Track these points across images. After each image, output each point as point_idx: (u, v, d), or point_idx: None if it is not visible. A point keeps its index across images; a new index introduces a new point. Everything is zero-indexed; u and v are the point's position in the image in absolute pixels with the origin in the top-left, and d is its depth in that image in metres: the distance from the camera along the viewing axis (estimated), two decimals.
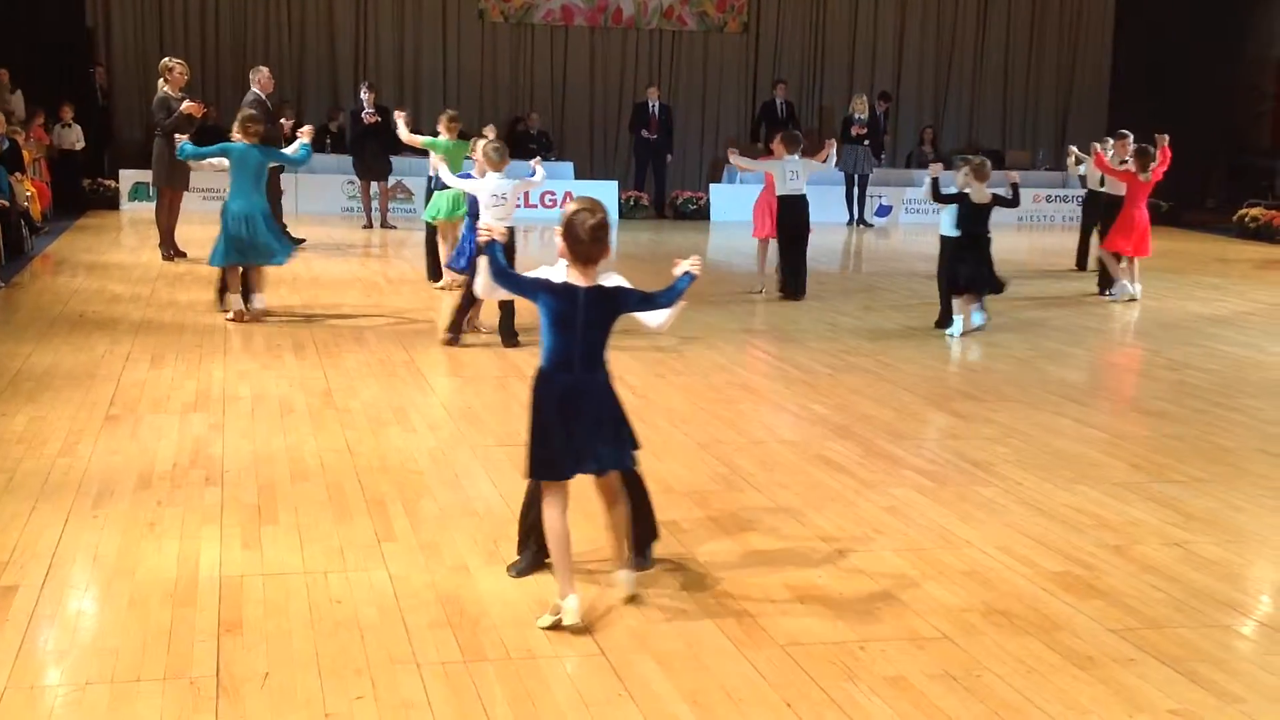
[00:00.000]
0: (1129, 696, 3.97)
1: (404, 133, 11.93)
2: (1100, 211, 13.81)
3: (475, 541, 5.17)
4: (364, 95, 17.06)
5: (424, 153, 12.76)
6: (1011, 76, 23.56)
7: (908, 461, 6.60)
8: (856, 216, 20.12)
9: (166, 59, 13.57)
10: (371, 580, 4.72)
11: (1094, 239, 14.12)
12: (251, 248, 9.74)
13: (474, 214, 9.48)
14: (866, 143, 19.96)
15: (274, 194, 14.42)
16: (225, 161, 9.82)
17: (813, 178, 12.55)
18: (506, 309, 9.17)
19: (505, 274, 4.55)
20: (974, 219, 10.21)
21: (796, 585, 4.81)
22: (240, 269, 9.88)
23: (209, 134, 17.70)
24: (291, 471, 6.04)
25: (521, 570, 4.81)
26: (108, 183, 18.09)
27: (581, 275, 4.39)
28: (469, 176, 9.60)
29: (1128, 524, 5.70)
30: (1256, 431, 7.53)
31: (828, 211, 19.78)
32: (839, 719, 3.75)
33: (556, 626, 4.30)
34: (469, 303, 9.30)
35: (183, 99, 12.98)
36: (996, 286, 10.41)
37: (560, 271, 4.46)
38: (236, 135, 9.88)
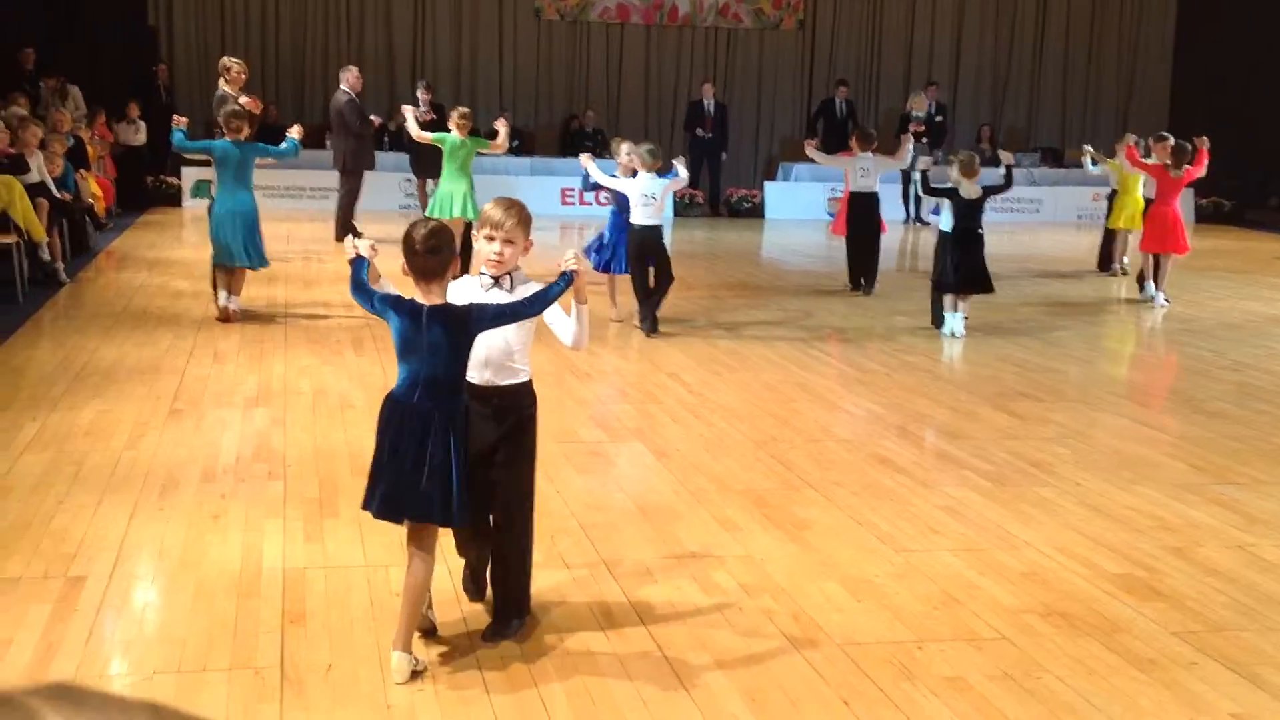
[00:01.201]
0: (1190, 700, 3.94)
1: (414, 128, 11.84)
2: (1114, 211, 13.83)
3: (536, 536, 5.19)
4: (420, 94, 17.18)
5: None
6: (1071, 74, 23.33)
7: (965, 461, 6.57)
8: (913, 215, 20.01)
9: (225, 58, 13.72)
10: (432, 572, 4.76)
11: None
12: (235, 247, 9.62)
13: (624, 210, 9.67)
14: (925, 140, 19.83)
15: (351, 197, 14.60)
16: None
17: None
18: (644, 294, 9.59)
19: (361, 288, 4.11)
20: (966, 214, 10.13)
21: (853, 584, 4.81)
22: (229, 268, 9.75)
23: (268, 132, 17.90)
24: (352, 466, 6.11)
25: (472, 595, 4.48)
26: (170, 179, 18.33)
27: (424, 293, 3.94)
28: (614, 176, 9.80)
29: (1189, 526, 5.65)
30: None
31: (884, 209, 19.71)
32: (897, 718, 3.75)
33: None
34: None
35: (241, 97, 13.11)
36: (988, 286, 10.27)
37: (473, 289, 4.10)
38: (219, 132, 9.75)
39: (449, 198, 11.42)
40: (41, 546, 4.88)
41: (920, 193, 10.59)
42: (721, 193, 20.56)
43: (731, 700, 3.84)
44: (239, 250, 9.69)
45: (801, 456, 6.55)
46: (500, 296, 4.09)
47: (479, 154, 11.79)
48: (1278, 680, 4.10)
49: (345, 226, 15.14)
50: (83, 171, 14.10)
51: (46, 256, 11.04)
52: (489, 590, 4.43)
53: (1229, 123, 14.17)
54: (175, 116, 10.08)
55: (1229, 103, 19.81)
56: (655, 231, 9.60)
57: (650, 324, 9.68)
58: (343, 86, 14.65)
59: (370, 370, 8.20)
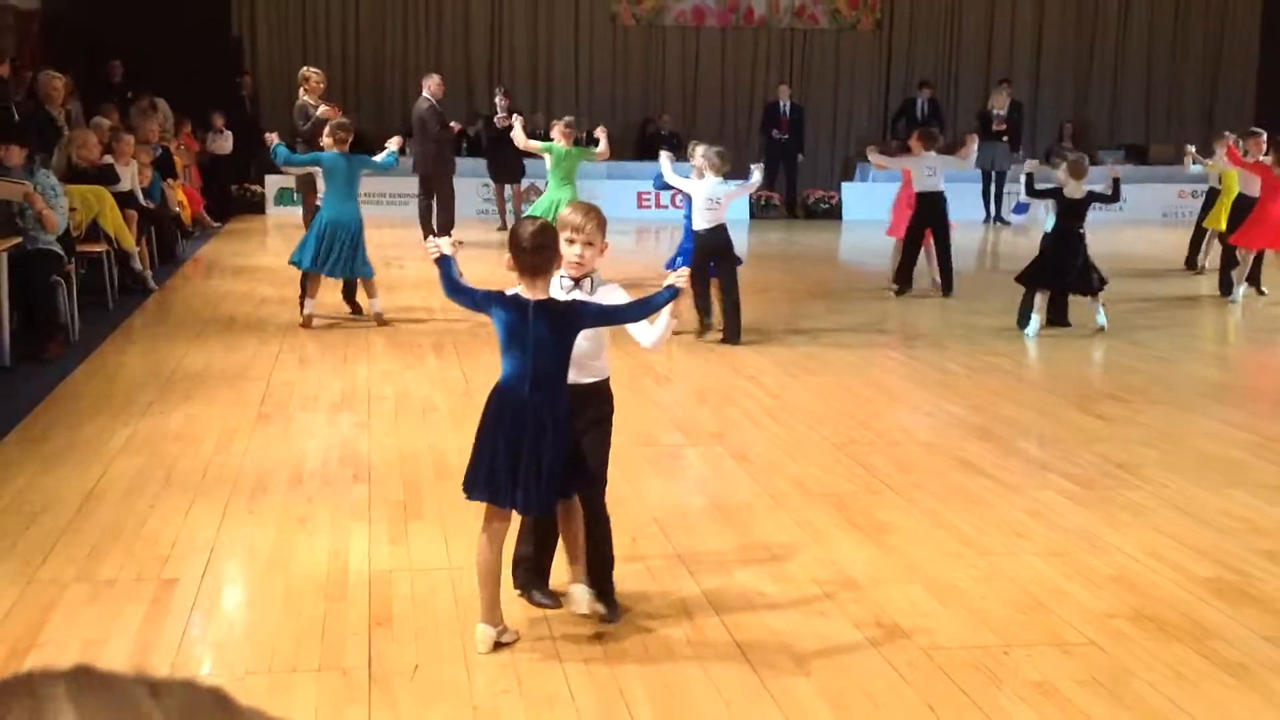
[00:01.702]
0: None
1: (520, 138, 11.93)
2: (1213, 210, 13.57)
3: (616, 538, 5.21)
4: (498, 99, 17.32)
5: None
6: (1154, 69, 22.96)
7: (1050, 464, 6.49)
8: (994, 214, 19.78)
9: (305, 68, 13.95)
10: (513, 577, 4.79)
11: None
12: (329, 263, 9.75)
13: (689, 218, 9.71)
14: (1005, 139, 19.59)
15: (442, 203, 14.81)
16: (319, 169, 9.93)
17: (950, 175, 12.43)
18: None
19: (457, 288, 4.26)
20: (1069, 215, 10.00)
21: (937, 588, 4.77)
22: (320, 277, 9.87)
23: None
24: (435, 469, 6.17)
25: (535, 600, 4.55)
26: (254, 187, 18.65)
27: (530, 288, 4.08)
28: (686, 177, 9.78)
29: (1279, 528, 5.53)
30: None
31: (965, 209, 19.51)
32: None
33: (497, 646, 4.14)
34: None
35: (320, 106, 13.31)
36: (1097, 285, 10.13)
37: (554, 291, 4.19)
38: (326, 143, 9.89)
39: (556, 205, 11.44)
40: (135, 549, 4.99)
41: (1025, 195, 10.44)
42: (798, 194, 20.49)
43: (813, 702, 3.83)
44: (350, 263, 9.83)
45: (882, 459, 6.51)
46: (580, 297, 4.23)
47: (585, 162, 11.85)
48: None
49: (442, 231, 15.38)
50: (170, 181, 14.39)
51: (138, 266, 11.29)
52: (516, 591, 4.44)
53: None
54: (267, 135, 10.26)
55: None
56: (719, 233, 9.47)
57: (733, 332, 9.50)
58: (424, 94, 14.92)
59: (451, 374, 8.29)
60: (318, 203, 10.27)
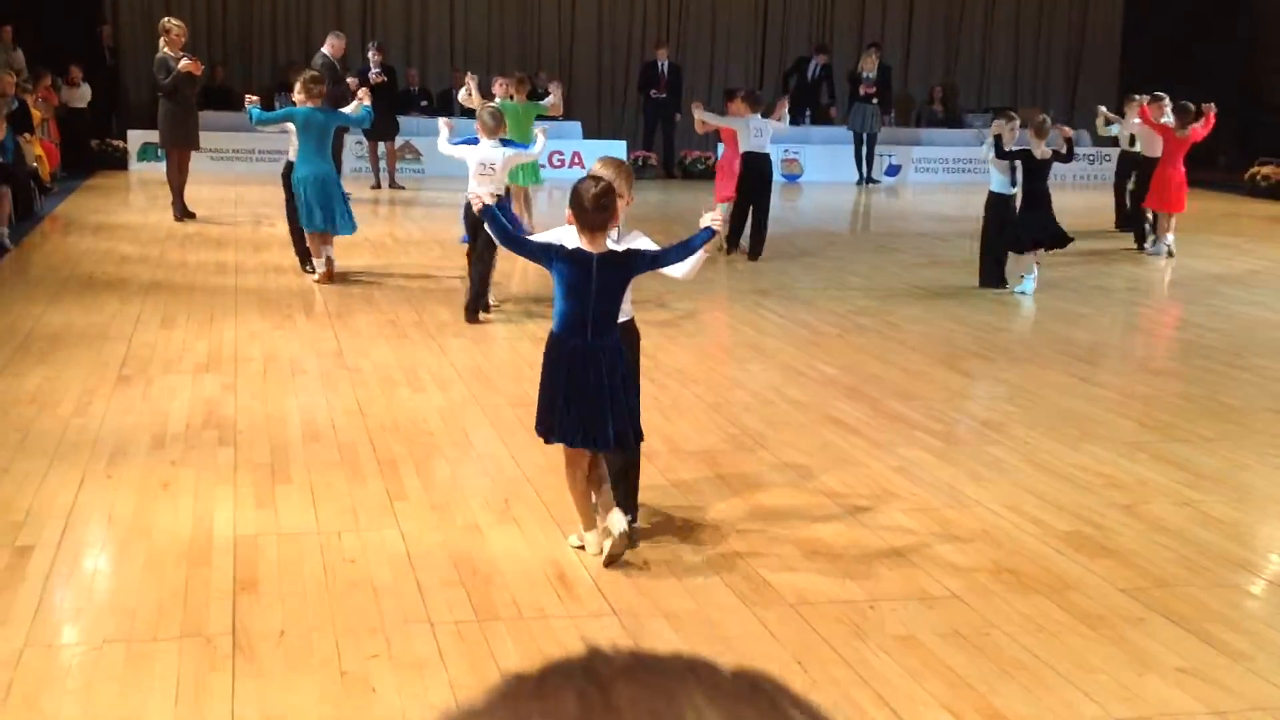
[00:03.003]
0: (1138, 655, 4.00)
1: (469, 100, 11.46)
2: (1130, 170, 13.94)
3: (487, 501, 5.20)
4: (371, 55, 16.99)
5: (429, 113, 12.65)
6: (1022, 33, 23.40)
7: (917, 421, 6.61)
8: (865, 175, 20.03)
9: (166, 19, 13.54)
10: (384, 540, 4.75)
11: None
12: (323, 213, 9.59)
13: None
14: (875, 101, 19.82)
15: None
16: (292, 125, 9.65)
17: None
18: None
19: (515, 240, 4.63)
20: (1035, 176, 10.24)
21: (806, 545, 4.84)
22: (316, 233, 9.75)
23: (217, 94, 17.65)
24: (304, 432, 6.07)
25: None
26: (116, 143, 18.05)
27: (590, 242, 4.41)
28: (473, 141, 9.20)
29: (1137, 483, 5.72)
30: (1266, 391, 7.53)
31: (837, 171, 19.74)
32: (849, 677, 3.79)
33: (614, 550, 4.50)
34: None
35: (180, 58, 12.93)
36: (1065, 240, 10.45)
37: (571, 235, 4.48)
38: (299, 98, 9.61)
39: (530, 165, 11.15)
40: None
41: (993, 157, 10.57)
42: (675, 155, 20.50)
43: None
44: (333, 216, 9.65)
45: (755, 418, 6.57)
46: (641, 241, 4.63)
47: (539, 118, 11.55)
48: (1224, 635, 4.17)
49: None
50: (26, 135, 13.86)
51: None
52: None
53: (1178, 83, 14.34)
54: (247, 95, 9.94)
55: (1178, 63, 19.92)
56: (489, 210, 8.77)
57: (473, 312, 8.75)
58: (324, 49, 14.71)
59: (322, 335, 8.14)
60: (291, 158, 9.88)
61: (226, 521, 4.87)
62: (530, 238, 4.65)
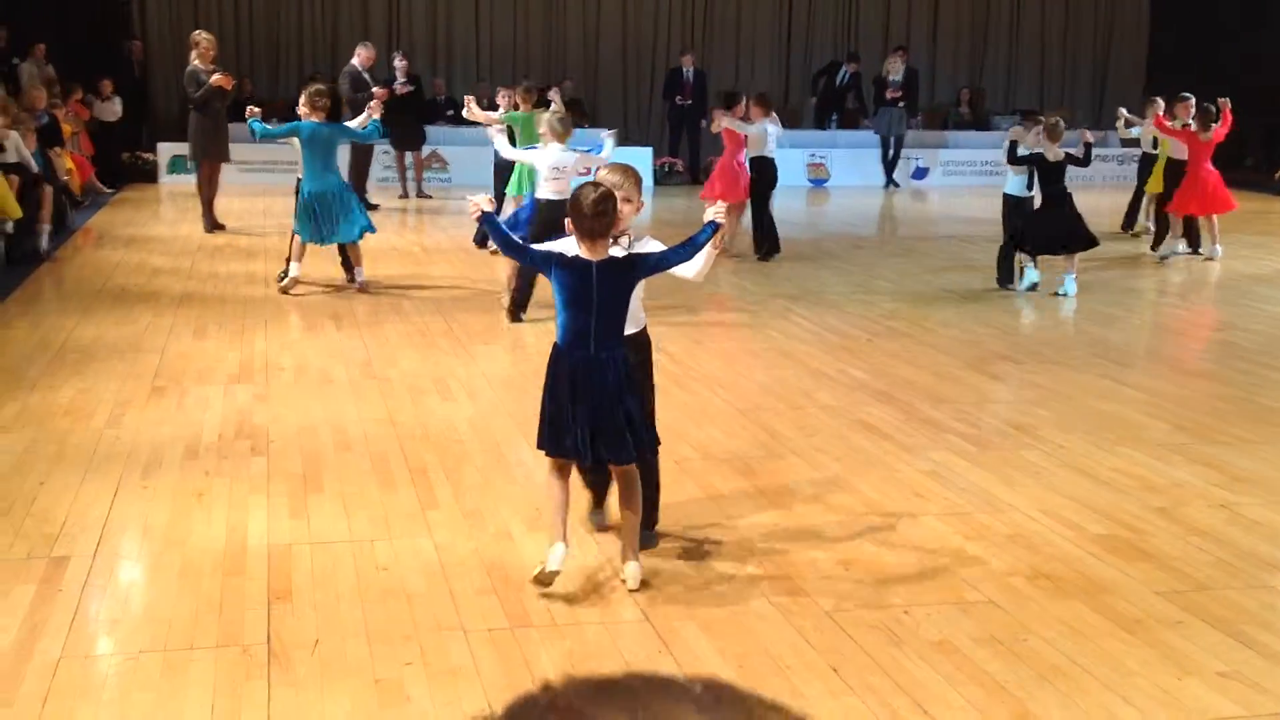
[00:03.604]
0: (1177, 659, 3.96)
1: (477, 112, 11.57)
2: (1153, 174, 13.87)
3: (517, 509, 5.20)
4: (397, 65, 17.06)
5: (455, 122, 12.67)
6: (1049, 35, 23.30)
7: (949, 426, 6.58)
8: (891, 180, 19.97)
9: (196, 32, 13.65)
10: (417, 548, 4.76)
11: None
12: (328, 227, 9.63)
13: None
14: (901, 104, 19.77)
15: (361, 168, 14.72)
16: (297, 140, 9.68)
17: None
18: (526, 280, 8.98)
19: (515, 246, 4.47)
20: (1049, 178, 10.20)
21: (839, 551, 4.82)
22: (305, 246, 9.80)
23: (246, 106, 17.73)
24: (335, 441, 6.08)
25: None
26: (146, 156, 18.19)
27: (590, 250, 4.28)
28: (535, 148, 9.37)
29: (1173, 486, 5.67)
30: None
31: (864, 175, 19.69)
32: (885, 684, 3.76)
33: (542, 578, 4.33)
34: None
35: (212, 72, 13.02)
36: (1093, 241, 10.40)
37: (573, 244, 4.37)
38: (303, 111, 9.61)
39: (533, 171, 11.17)
40: (24, 528, 4.85)
41: (1006, 162, 10.63)
42: (702, 161, 20.48)
43: (717, 664, 3.84)
44: (348, 224, 9.69)
45: (785, 423, 6.55)
46: (620, 251, 4.43)
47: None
48: (1263, 638, 4.12)
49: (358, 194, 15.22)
50: (57, 149, 13.97)
51: (9, 230, 10.88)
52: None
53: (1205, 84, 14.25)
54: (249, 108, 9.97)
55: (1205, 65, 19.79)
56: (562, 208, 9.00)
57: (519, 310, 8.96)
58: (354, 61, 14.99)
59: (351, 345, 8.17)
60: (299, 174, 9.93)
61: (260, 531, 4.89)
62: (532, 245, 4.54)
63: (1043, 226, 10.36)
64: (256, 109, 9.93)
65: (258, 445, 5.99)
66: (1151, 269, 12.33)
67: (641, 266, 4.38)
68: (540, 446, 4.46)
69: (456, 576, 4.48)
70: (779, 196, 13.46)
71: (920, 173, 20.40)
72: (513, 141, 10.63)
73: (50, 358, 7.61)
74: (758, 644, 4.01)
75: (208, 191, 13.37)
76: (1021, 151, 10.52)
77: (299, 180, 9.89)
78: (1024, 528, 5.10)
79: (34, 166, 11.74)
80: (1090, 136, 10.63)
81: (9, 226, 10.85)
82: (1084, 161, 10.37)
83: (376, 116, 9.99)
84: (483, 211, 4.43)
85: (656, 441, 4.59)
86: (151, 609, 4.21)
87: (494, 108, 12.19)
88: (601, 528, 4.95)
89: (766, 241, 12.28)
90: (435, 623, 4.11)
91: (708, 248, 4.49)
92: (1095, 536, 5.01)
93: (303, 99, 9.71)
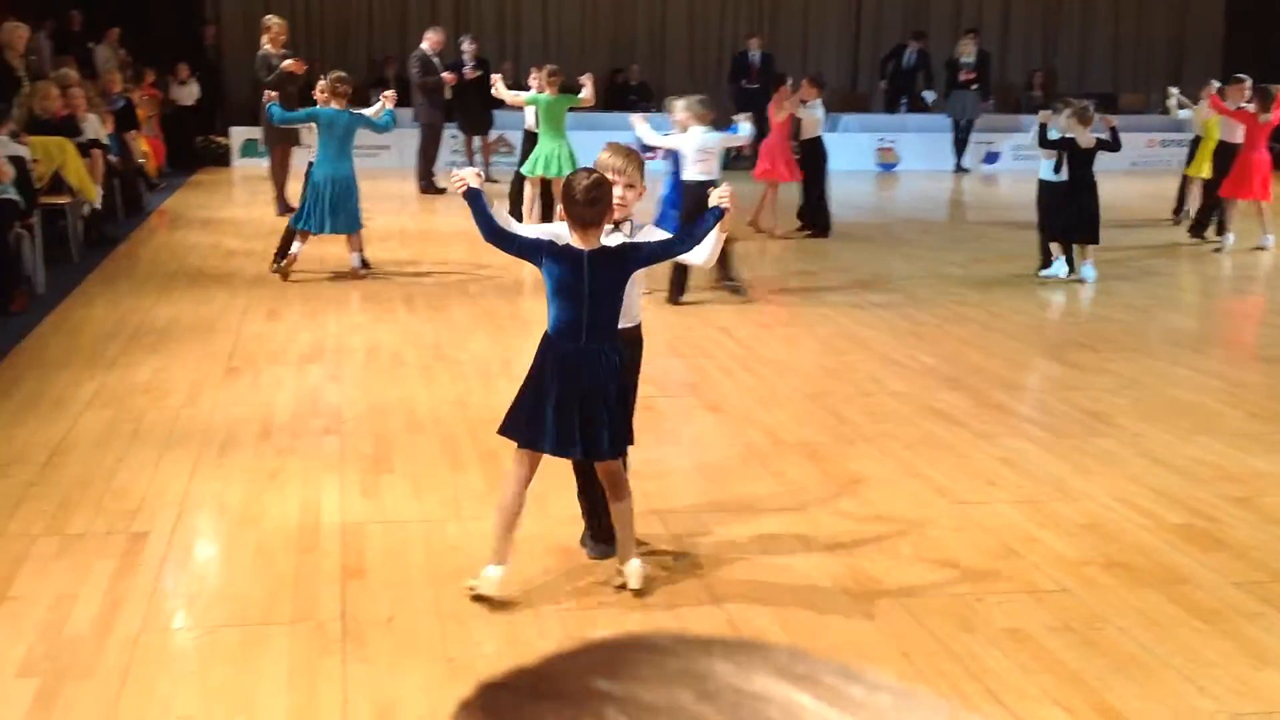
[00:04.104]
0: (1255, 650, 3.90)
1: (504, 92, 11.76)
2: (1195, 158, 13.59)
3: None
4: (465, 48, 17.12)
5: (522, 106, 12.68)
6: (1122, 17, 22.93)
7: (1021, 412, 6.51)
8: (960, 163, 19.75)
9: (267, 17, 13.79)
10: (486, 529, 4.76)
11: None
12: (331, 215, 9.61)
13: (675, 173, 9.52)
14: (974, 87, 19.52)
15: (429, 152, 15.02)
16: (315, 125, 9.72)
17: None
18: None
19: (499, 233, 4.18)
20: (1079, 163, 10.03)
21: (910, 537, 4.79)
22: (308, 233, 9.72)
23: (309, 91, 17.91)
24: (406, 422, 6.14)
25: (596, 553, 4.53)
26: (219, 139, 18.41)
27: (582, 238, 4.05)
28: (669, 133, 9.50)
29: (1251, 475, 5.57)
30: None
31: (934, 159, 19.49)
32: (957, 670, 3.74)
33: (476, 595, 4.10)
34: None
35: (283, 56, 13.14)
36: (1094, 236, 10.20)
37: (566, 231, 4.16)
38: (322, 97, 9.68)
39: (553, 156, 11.31)
40: (104, 503, 4.95)
41: (1037, 146, 10.51)
42: None
43: None
44: (353, 216, 9.70)
45: (854, 409, 6.52)
46: (621, 240, 4.22)
47: (570, 110, 11.66)
48: None
49: (420, 178, 15.40)
50: (133, 133, 14.18)
51: (96, 205, 11.05)
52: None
53: None
54: (265, 93, 10.04)
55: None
56: (709, 187, 9.26)
57: (733, 286, 9.27)
58: (423, 45, 15.18)
59: (421, 328, 8.23)
60: (311, 158, 10.03)
61: (333, 509, 4.95)
62: (518, 232, 4.24)
63: (1065, 213, 10.14)
64: (274, 93, 10.00)
65: (330, 425, 6.06)
66: (1213, 257, 12.08)
67: (636, 257, 4.13)
68: (503, 431, 4.20)
69: (525, 558, 4.50)
70: (847, 180, 13.43)
71: (991, 157, 20.15)
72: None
73: (128, 337, 7.74)
74: (827, 630, 4.00)
75: (280, 175, 13.51)
76: (1052, 135, 10.33)
77: (310, 164, 9.94)
78: (1099, 516, 5.04)
79: (110, 146, 11.91)
80: (1114, 120, 10.46)
81: (86, 209, 11.03)
82: (1114, 146, 10.19)
83: (390, 106, 9.95)
84: (470, 189, 4.17)
85: (629, 441, 4.28)
86: (228, 585, 4.28)
87: (526, 88, 12.21)
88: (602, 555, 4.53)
89: (819, 220, 12.49)
90: (507, 603, 4.14)
91: (714, 233, 4.27)
92: (1172, 525, 4.94)
93: (323, 84, 9.79)
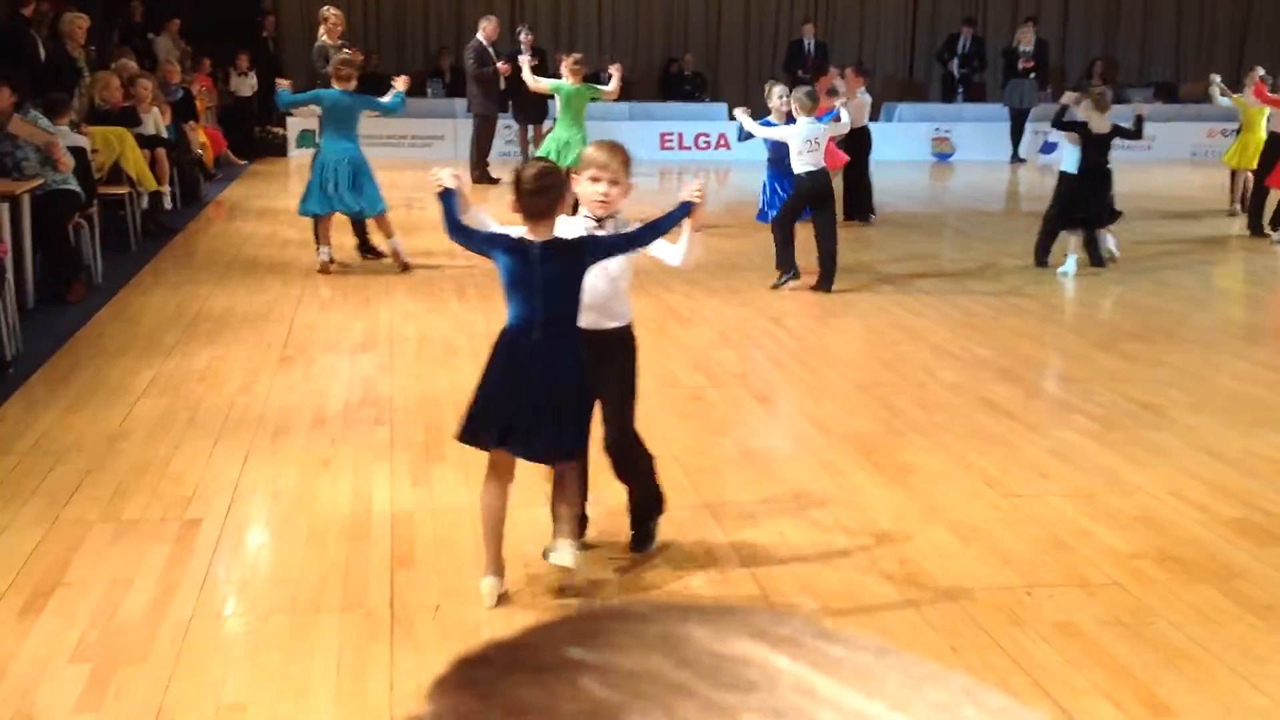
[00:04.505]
0: None
1: (529, 78, 11.80)
2: (1233, 149, 13.36)
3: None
4: (521, 38, 17.16)
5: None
6: (1185, 5, 22.59)
7: (1074, 404, 6.45)
8: (1017, 152, 19.55)
9: (324, 8, 13.88)
10: (535, 518, 4.79)
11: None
12: (337, 197, 9.60)
13: (775, 161, 9.55)
14: (1033, 76, 19.31)
15: (483, 142, 15.09)
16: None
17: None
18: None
19: (458, 228, 4.06)
20: (1097, 150, 9.87)
21: (960, 529, 4.76)
22: (331, 218, 9.72)
23: (371, 81, 18.02)
24: (457, 412, 6.12)
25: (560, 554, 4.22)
26: (276, 130, 18.60)
27: (533, 230, 3.92)
28: (770, 124, 9.57)
29: None
30: None
31: (990, 149, 19.32)
32: (1006, 664, 3.71)
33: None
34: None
35: (340, 47, 13.22)
36: (1113, 216, 10.04)
37: (576, 231, 4.08)
38: (330, 79, 9.73)
39: (566, 145, 11.34)
40: (159, 489, 5.02)
41: (1052, 125, 10.41)
42: None
43: None
44: (359, 198, 9.65)
45: (905, 400, 6.48)
46: (627, 227, 4.14)
47: (593, 101, 11.70)
48: None
49: (473, 170, 15.49)
50: (191, 123, 14.36)
51: (169, 205, 11.23)
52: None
53: None
54: (278, 79, 10.13)
55: None
56: (820, 177, 9.11)
57: (826, 281, 9.15)
58: (478, 35, 15.30)
59: (473, 317, 8.27)
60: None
61: (384, 498, 4.99)
62: (477, 228, 4.10)
63: (1080, 204, 9.94)
64: (285, 80, 10.06)
65: (381, 414, 6.11)
66: (1271, 250, 11.89)
67: (591, 250, 3.97)
68: (460, 438, 4.11)
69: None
70: (902, 169, 13.34)
71: (1048, 147, 19.84)
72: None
73: (185, 325, 7.84)
74: (875, 621, 3.98)
75: None
76: (1067, 119, 10.15)
77: (316, 151, 9.97)
78: (1152, 509, 4.98)
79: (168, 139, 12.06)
80: (1144, 110, 10.30)
81: (145, 201, 11.19)
82: (1136, 134, 10.01)
83: (401, 89, 9.92)
84: (445, 188, 4.06)
85: (585, 441, 4.13)
86: (280, 571, 4.33)
87: (557, 76, 12.22)
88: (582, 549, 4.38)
89: (864, 207, 12.53)
90: (552, 594, 4.16)
91: (688, 232, 4.15)
92: (1227, 519, 4.87)
93: (330, 67, 9.83)
